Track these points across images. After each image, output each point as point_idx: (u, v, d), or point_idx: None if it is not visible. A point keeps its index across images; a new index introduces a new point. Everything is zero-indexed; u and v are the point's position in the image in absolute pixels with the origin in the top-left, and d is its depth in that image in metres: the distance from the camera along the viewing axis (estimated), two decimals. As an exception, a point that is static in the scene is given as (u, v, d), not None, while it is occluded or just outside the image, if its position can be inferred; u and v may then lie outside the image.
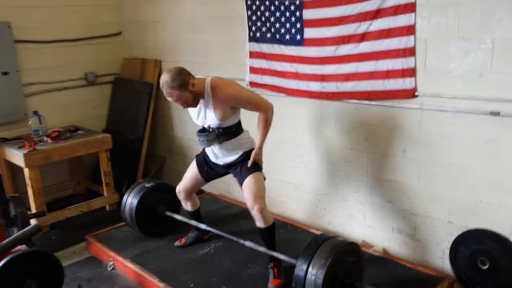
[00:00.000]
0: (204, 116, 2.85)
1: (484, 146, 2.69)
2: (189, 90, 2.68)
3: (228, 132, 2.87)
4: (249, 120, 3.00)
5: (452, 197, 2.91)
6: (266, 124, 2.85)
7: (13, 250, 3.14)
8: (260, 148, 2.92)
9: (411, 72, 2.86)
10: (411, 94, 2.89)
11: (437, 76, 2.79)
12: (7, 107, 4.28)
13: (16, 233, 2.08)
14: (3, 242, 2.01)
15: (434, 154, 2.92)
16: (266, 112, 2.84)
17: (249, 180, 2.86)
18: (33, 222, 3.59)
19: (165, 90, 2.68)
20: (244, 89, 2.85)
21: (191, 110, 2.91)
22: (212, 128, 2.86)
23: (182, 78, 2.65)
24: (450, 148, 2.84)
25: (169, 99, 2.73)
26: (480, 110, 2.65)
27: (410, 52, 2.83)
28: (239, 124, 2.93)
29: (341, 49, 3.14)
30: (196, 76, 2.77)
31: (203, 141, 2.86)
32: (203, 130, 2.90)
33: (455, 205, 2.91)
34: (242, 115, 2.95)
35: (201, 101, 2.79)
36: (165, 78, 2.66)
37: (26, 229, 2.03)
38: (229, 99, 2.75)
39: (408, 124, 3.00)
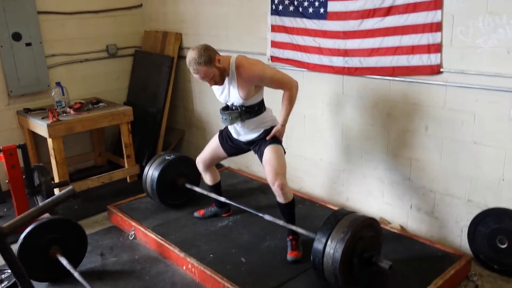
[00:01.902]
0: (228, 94, 2.85)
1: (508, 123, 2.65)
2: (216, 66, 2.69)
3: (251, 111, 2.87)
4: (273, 98, 2.99)
5: (473, 175, 2.88)
6: (291, 101, 2.85)
7: (38, 218, 3.25)
8: (283, 125, 2.93)
9: (437, 48, 2.80)
10: (436, 70, 2.84)
11: (463, 52, 2.73)
12: (30, 78, 4.34)
13: (51, 197, 2.13)
14: (42, 203, 2.07)
15: (457, 131, 2.89)
16: (290, 89, 2.83)
17: (269, 155, 2.87)
18: (56, 191, 3.69)
19: (192, 67, 2.69)
20: (268, 67, 2.83)
21: (214, 87, 2.92)
22: (235, 106, 2.87)
23: (209, 54, 2.66)
24: (474, 125, 2.80)
25: (195, 76, 2.73)
26: (506, 87, 2.60)
27: (436, 27, 2.77)
28: (262, 102, 2.94)
29: (365, 23, 3.09)
30: (221, 54, 2.77)
31: (226, 119, 2.88)
32: (226, 108, 2.92)
33: (476, 183, 2.88)
34: (266, 93, 2.94)
35: (226, 78, 2.80)
36: (191, 55, 2.67)
37: (61, 192, 2.08)
38: (254, 77, 2.75)
39: (432, 101, 2.96)
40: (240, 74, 2.73)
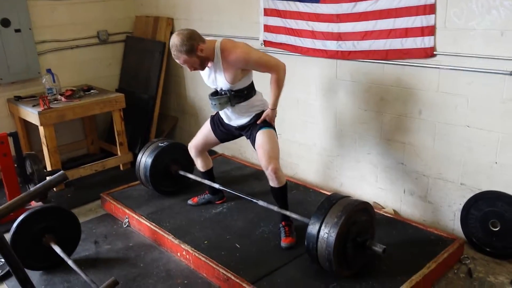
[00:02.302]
0: (215, 78, 2.83)
1: (501, 106, 2.64)
2: (197, 55, 2.66)
3: (240, 95, 2.84)
4: (262, 81, 2.96)
5: (466, 159, 2.88)
6: (279, 84, 2.81)
7: (30, 206, 3.22)
8: (273, 109, 2.90)
9: (430, 30, 2.78)
10: (430, 53, 2.82)
11: (457, 34, 2.71)
12: (20, 65, 4.28)
13: (42, 182, 2.10)
14: (32, 188, 2.04)
15: (450, 115, 2.88)
16: (277, 72, 2.78)
17: (261, 139, 2.86)
18: (48, 178, 3.66)
19: (173, 52, 2.68)
20: (254, 50, 2.78)
21: (202, 72, 2.89)
22: (224, 91, 2.83)
23: (192, 44, 2.62)
24: (467, 108, 2.79)
25: (176, 60, 2.73)
26: (499, 70, 2.59)
27: (430, 9, 2.75)
28: (251, 86, 2.90)
29: (359, 6, 3.05)
30: (208, 38, 2.73)
31: (215, 104, 2.85)
32: (215, 94, 2.89)
33: (469, 167, 2.89)
34: (255, 76, 2.91)
35: (211, 64, 2.77)
36: (174, 41, 2.65)
37: (52, 177, 2.05)
38: (239, 61, 2.71)
39: (425, 84, 2.95)
40: (225, 58, 2.70)
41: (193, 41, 2.64)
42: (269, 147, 2.84)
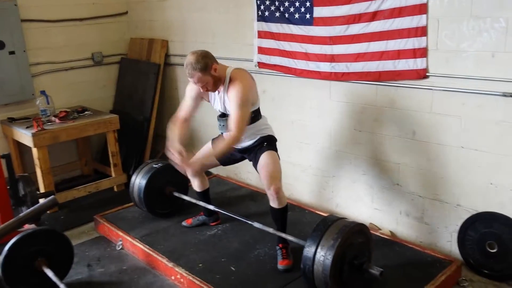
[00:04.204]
0: (222, 102, 2.87)
1: (495, 127, 2.66)
2: (211, 74, 2.70)
3: None
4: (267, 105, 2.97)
5: (461, 180, 2.88)
6: (228, 143, 2.78)
7: (23, 228, 3.17)
8: (215, 156, 2.96)
9: (422, 52, 2.81)
10: (422, 74, 2.85)
11: (449, 56, 2.74)
12: (14, 87, 4.27)
13: (33, 207, 2.08)
14: (22, 213, 2.02)
15: (444, 136, 2.89)
16: (233, 133, 2.74)
17: (265, 160, 2.87)
18: (41, 201, 3.63)
19: (187, 70, 2.71)
20: (246, 99, 2.74)
21: (210, 95, 2.93)
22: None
23: (206, 62, 2.67)
24: (461, 129, 2.80)
25: (190, 80, 2.76)
26: (491, 91, 2.61)
27: (422, 31, 2.78)
28: (257, 110, 2.94)
29: (351, 28, 3.09)
30: (220, 63, 2.79)
31: (223, 125, 2.89)
32: (223, 115, 2.91)
33: (465, 188, 2.88)
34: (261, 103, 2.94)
35: (221, 86, 2.81)
36: (189, 59, 2.69)
37: (43, 201, 2.04)
38: (231, 98, 2.74)
39: (418, 105, 2.96)
40: (229, 89, 2.76)
41: (207, 59, 2.69)
42: (272, 168, 2.85)
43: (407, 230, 3.26)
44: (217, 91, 2.85)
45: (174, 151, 2.77)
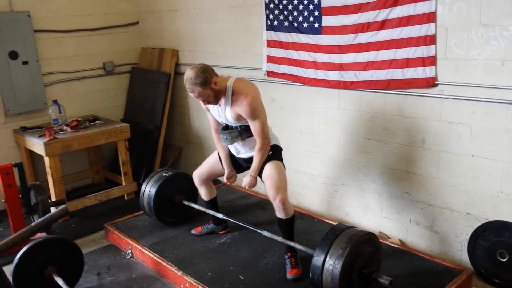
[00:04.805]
0: (224, 115, 2.87)
1: (505, 135, 2.64)
2: (211, 88, 2.71)
3: (250, 129, 2.86)
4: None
5: (471, 188, 2.86)
6: (263, 154, 2.85)
7: (34, 237, 3.21)
8: (254, 176, 2.93)
9: (431, 60, 2.81)
10: (431, 83, 2.84)
11: (458, 64, 2.74)
12: (27, 96, 4.34)
13: (44, 216, 2.11)
14: (34, 222, 2.05)
15: (454, 144, 2.88)
16: (262, 144, 2.81)
17: (270, 170, 2.86)
18: (53, 209, 3.66)
19: (188, 85, 2.72)
20: (261, 109, 2.80)
21: (212, 107, 2.93)
22: (235, 125, 2.87)
23: (206, 76, 2.68)
24: (470, 137, 2.79)
25: (191, 94, 2.77)
26: (501, 99, 2.60)
27: (430, 40, 2.78)
28: None
29: (360, 37, 3.10)
30: (220, 75, 2.80)
31: (226, 138, 2.90)
32: (226, 128, 2.93)
33: (475, 196, 2.86)
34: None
35: (222, 99, 2.81)
36: (189, 74, 2.70)
37: (54, 211, 2.07)
38: (243, 111, 2.75)
39: (428, 113, 2.95)
40: (234, 102, 2.76)
41: (207, 73, 2.69)
42: (277, 178, 2.84)
43: (417, 239, 3.23)
44: (218, 104, 2.85)
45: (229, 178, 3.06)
